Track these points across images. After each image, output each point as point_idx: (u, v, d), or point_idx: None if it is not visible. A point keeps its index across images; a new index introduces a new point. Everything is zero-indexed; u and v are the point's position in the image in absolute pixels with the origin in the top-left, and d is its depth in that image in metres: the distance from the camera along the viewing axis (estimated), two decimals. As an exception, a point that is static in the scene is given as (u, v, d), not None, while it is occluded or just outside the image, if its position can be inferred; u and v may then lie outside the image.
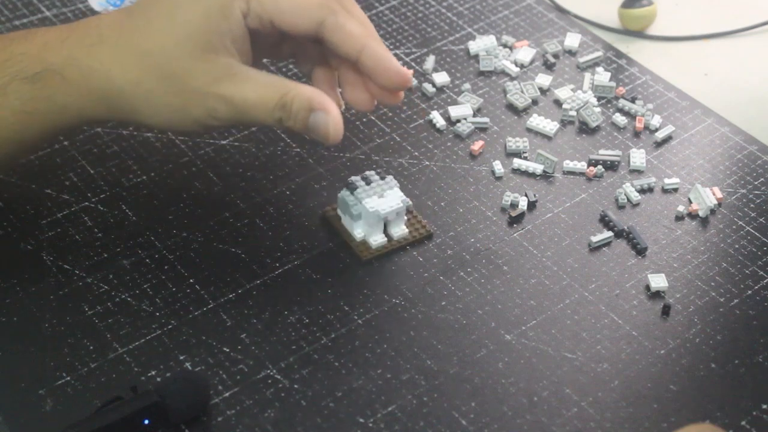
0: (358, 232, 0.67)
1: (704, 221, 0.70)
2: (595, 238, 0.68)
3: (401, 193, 0.67)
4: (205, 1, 0.60)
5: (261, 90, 0.60)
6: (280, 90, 0.60)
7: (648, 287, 0.65)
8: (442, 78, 0.80)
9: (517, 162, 0.73)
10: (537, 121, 0.76)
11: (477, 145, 0.75)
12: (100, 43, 0.61)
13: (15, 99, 0.61)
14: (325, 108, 0.60)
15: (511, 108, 0.78)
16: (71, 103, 0.61)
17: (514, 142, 0.75)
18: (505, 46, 0.84)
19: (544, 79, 0.80)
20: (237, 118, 0.61)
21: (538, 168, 0.72)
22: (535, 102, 0.79)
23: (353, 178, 0.67)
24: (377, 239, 0.67)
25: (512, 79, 0.80)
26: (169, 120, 0.62)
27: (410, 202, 0.69)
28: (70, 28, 0.63)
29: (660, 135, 0.76)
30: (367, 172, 0.67)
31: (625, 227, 0.69)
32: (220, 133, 0.75)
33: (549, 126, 0.76)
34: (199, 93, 0.60)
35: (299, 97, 0.60)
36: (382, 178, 0.67)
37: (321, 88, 0.65)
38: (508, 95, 0.79)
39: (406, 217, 0.68)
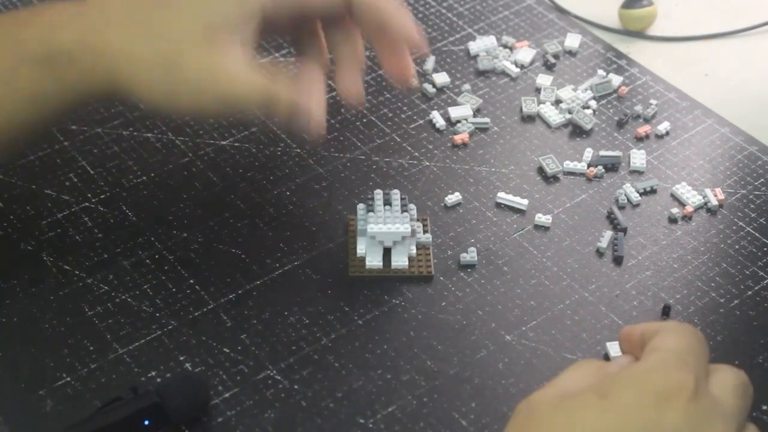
0: (360, 247, 0.66)
1: (704, 221, 0.70)
2: (601, 243, 0.68)
3: (409, 225, 0.65)
4: None
5: (249, 85, 0.60)
6: (271, 87, 0.61)
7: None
8: (442, 78, 0.80)
9: (501, 196, 0.71)
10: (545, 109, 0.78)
11: (460, 137, 0.75)
12: (107, 25, 0.61)
13: (25, 82, 0.61)
14: (307, 106, 0.61)
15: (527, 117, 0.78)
16: (78, 84, 0.61)
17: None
18: (505, 46, 0.84)
19: (544, 79, 0.80)
20: (224, 109, 0.63)
21: (522, 203, 0.71)
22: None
23: (377, 193, 0.67)
24: (372, 261, 0.66)
25: (538, 92, 0.80)
26: (158, 102, 0.61)
27: (429, 238, 0.67)
28: (78, 6, 0.62)
29: (661, 128, 0.76)
30: (393, 193, 0.67)
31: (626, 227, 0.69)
32: (221, 133, 0.75)
33: (554, 118, 0.77)
34: (190, 81, 0.60)
35: (284, 91, 0.61)
36: (404, 206, 0.66)
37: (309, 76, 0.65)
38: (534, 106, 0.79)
39: (415, 251, 0.67)
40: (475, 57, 0.83)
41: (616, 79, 0.80)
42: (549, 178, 0.73)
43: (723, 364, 0.50)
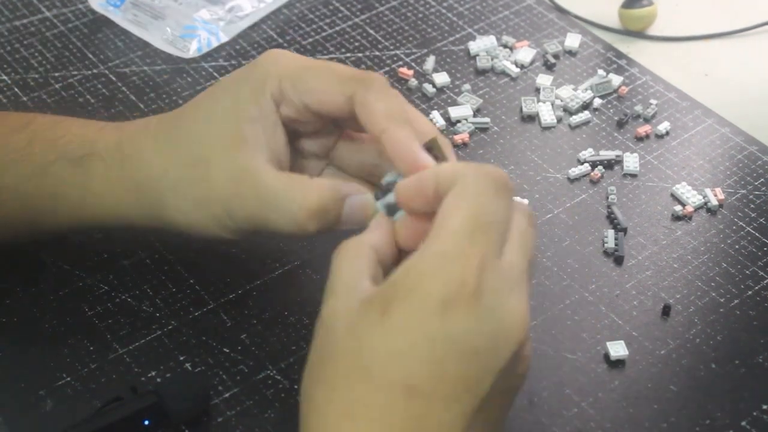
0: None
1: (704, 221, 0.70)
2: (608, 244, 0.68)
3: None
4: (236, 87, 0.58)
5: (294, 192, 0.55)
6: (312, 191, 0.55)
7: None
8: (442, 78, 0.80)
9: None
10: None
11: (460, 137, 0.75)
12: (145, 133, 0.60)
13: (52, 182, 0.60)
14: (358, 190, 0.56)
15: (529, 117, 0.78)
16: (105, 194, 0.60)
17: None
18: (505, 46, 0.84)
19: (544, 79, 0.80)
20: (254, 220, 0.57)
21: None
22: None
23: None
24: None
25: (538, 91, 0.80)
26: (190, 214, 0.58)
27: None
28: (128, 122, 0.63)
29: (661, 128, 0.76)
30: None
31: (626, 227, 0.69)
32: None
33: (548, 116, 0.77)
34: (218, 188, 0.57)
35: (331, 187, 0.56)
36: None
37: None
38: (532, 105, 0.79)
39: None
40: (475, 57, 0.83)
41: (616, 79, 0.80)
42: (549, 178, 0.73)
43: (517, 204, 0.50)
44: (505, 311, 0.46)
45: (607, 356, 0.62)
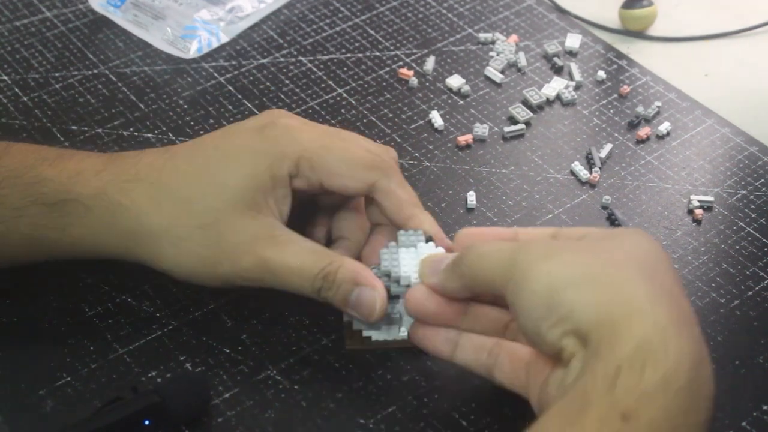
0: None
1: (704, 221, 0.70)
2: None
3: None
4: (253, 159, 0.59)
5: (304, 256, 0.58)
6: (324, 259, 0.58)
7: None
8: (456, 81, 0.80)
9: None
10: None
11: (464, 138, 0.75)
12: (136, 180, 0.59)
13: (28, 224, 0.59)
14: (372, 284, 0.57)
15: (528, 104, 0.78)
16: (86, 236, 0.59)
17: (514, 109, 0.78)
18: (493, 42, 0.84)
19: (553, 83, 0.80)
20: (268, 280, 0.58)
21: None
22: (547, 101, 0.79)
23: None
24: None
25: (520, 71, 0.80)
26: (193, 271, 0.59)
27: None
28: (107, 160, 0.61)
29: (662, 128, 0.76)
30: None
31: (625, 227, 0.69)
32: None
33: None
34: (236, 250, 0.58)
35: (344, 269, 0.57)
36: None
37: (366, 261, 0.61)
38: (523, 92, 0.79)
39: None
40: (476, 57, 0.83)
41: (601, 73, 0.81)
42: (549, 178, 0.73)
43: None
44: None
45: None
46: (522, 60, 0.82)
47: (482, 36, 0.84)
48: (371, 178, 0.59)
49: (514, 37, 0.84)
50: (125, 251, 0.60)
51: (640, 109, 0.78)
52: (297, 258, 0.58)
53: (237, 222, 0.58)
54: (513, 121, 0.77)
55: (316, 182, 0.60)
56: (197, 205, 0.58)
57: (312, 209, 0.65)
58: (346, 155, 0.60)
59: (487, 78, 0.81)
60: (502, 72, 0.81)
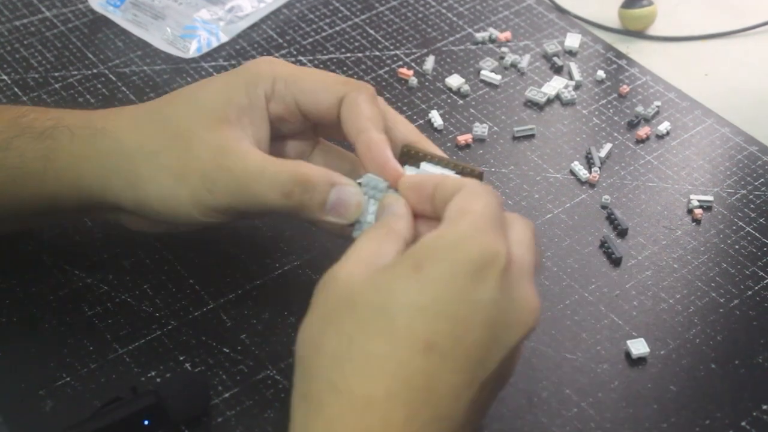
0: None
1: (704, 221, 0.70)
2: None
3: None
4: (228, 78, 0.59)
5: (271, 161, 0.56)
6: (292, 163, 0.56)
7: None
8: (456, 81, 0.80)
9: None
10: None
11: (463, 138, 0.75)
12: (120, 111, 0.61)
13: (15, 155, 0.59)
14: (347, 181, 0.56)
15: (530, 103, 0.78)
16: (69, 168, 0.59)
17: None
18: (492, 40, 0.84)
19: (553, 82, 0.80)
20: (236, 192, 0.56)
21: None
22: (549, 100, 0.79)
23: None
24: None
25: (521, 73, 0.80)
26: (166, 188, 0.57)
27: None
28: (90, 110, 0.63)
29: (661, 128, 0.76)
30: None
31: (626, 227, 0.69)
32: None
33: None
34: (200, 159, 0.57)
35: (319, 170, 0.56)
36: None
37: None
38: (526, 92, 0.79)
39: None
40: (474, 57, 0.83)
41: (601, 73, 0.81)
42: (549, 178, 0.73)
43: (512, 214, 0.51)
44: (523, 296, 0.48)
45: (607, 357, 0.62)
46: (524, 61, 0.82)
47: (479, 36, 0.84)
48: (341, 91, 0.58)
49: (506, 34, 0.84)
50: (105, 183, 0.59)
51: (639, 108, 0.78)
52: (264, 162, 0.56)
53: (206, 134, 0.57)
54: (531, 103, 0.78)
55: (291, 103, 0.59)
56: (171, 121, 0.59)
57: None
58: (321, 75, 0.60)
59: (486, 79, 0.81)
60: (493, 71, 0.81)
